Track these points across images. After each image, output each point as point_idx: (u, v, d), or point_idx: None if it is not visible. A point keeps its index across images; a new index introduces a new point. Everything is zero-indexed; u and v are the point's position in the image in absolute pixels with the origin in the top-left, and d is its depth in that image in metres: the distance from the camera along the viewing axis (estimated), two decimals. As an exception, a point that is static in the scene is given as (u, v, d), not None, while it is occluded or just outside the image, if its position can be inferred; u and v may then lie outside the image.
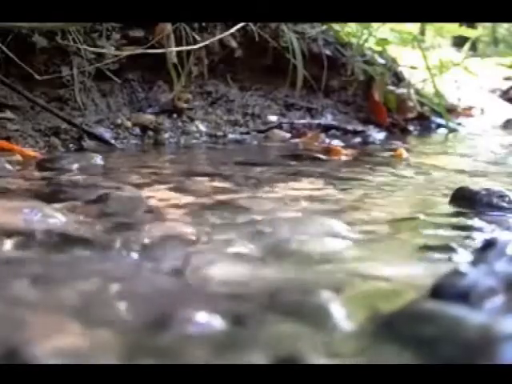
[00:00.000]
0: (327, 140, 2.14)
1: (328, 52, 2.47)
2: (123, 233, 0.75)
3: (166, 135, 1.97)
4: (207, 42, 1.97)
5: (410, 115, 2.71)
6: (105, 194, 0.96)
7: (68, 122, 1.75)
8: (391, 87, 2.69)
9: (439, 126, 2.78)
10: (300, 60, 2.25)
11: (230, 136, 2.14)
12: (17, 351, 0.41)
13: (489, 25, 9.63)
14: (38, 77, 1.73)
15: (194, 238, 0.74)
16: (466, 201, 0.96)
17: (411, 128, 2.66)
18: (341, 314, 0.50)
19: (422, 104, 2.81)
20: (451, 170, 1.45)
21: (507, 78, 4.62)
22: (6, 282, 0.56)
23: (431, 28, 4.12)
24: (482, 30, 7.77)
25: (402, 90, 2.73)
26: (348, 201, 1.03)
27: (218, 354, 0.43)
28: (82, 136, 1.73)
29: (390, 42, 2.80)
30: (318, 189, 1.13)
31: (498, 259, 0.59)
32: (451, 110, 3.07)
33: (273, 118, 2.32)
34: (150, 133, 1.93)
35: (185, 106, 2.09)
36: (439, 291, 0.52)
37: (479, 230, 0.81)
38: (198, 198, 1.01)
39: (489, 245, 0.64)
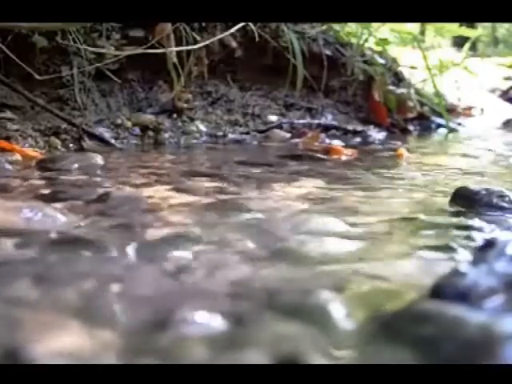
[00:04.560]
0: (327, 140, 2.14)
1: (328, 52, 2.47)
2: (123, 233, 0.75)
3: (166, 135, 1.97)
4: (207, 42, 1.97)
5: (410, 115, 2.72)
6: (105, 193, 0.96)
7: (68, 122, 1.75)
8: (391, 87, 2.69)
9: (439, 125, 2.78)
10: (300, 60, 2.25)
11: (230, 136, 2.14)
12: (17, 351, 0.41)
13: (489, 25, 9.63)
14: (38, 77, 1.73)
15: (193, 237, 0.74)
16: (466, 201, 0.96)
17: (411, 128, 2.66)
18: (341, 314, 0.50)
19: (422, 104, 2.81)
20: (451, 170, 1.45)
21: (507, 78, 4.63)
22: (6, 281, 0.56)
23: (431, 28, 4.13)
24: (481, 30, 7.78)
25: (401, 90, 2.73)
26: (348, 201, 1.03)
27: (218, 354, 0.43)
28: (82, 136, 1.73)
29: (390, 41, 2.80)
30: (318, 189, 1.13)
31: (498, 259, 0.59)
32: (451, 110, 3.08)
33: (273, 118, 2.32)
34: (150, 133, 1.94)
35: (185, 105, 2.10)
36: (439, 291, 0.52)
37: (479, 229, 0.81)
38: (198, 197, 1.01)
39: (489, 245, 0.64)
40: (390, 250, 0.74)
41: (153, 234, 0.75)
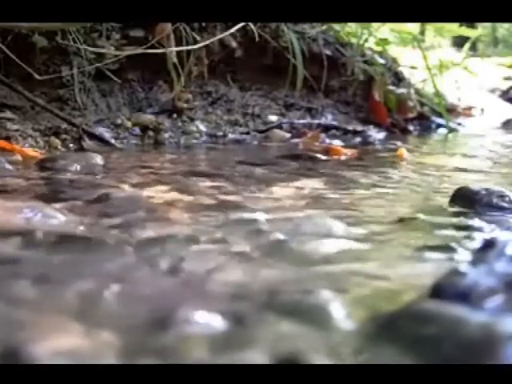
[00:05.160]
0: (327, 140, 2.14)
1: (328, 52, 2.47)
2: (123, 233, 0.75)
3: (166, 135, 1.97)
4: (207, 42, 1.97)
5: (410, 115, 2.72)
6: (105, 194, 0.96)
7: (68, 122, 1.75)
8: (391, 87, 2.69)
9: (439, 125, 2.78)
10: (300, 60, 2.25)
11: (230, 136, 2.14)
12: (17, 351, 0.41)
13: (489, 25, 9.64)
14: (38, 77, 1.73)
15: (193, 237, 0.74)
16: (466, 201, 0.96)
17: (411, 128, 2.66)
18: (341, 314, 0.50)
19: (422, 104, 2.81)
20: (451, 169, 1.45)
21: (507, 78, 4.63)
22: (6, 281, 0.56)
23: (431, 28, 4.13)
24: (481, 30, 7.78)
25: (402, 90, 2.73)
26: (348, 200, 1.03)
27: (218, 354, 0.43)
28: (82, 136, 1.73)
29: (390, 41, 2.80)
30: (318, 189, 1.13)
31: (498, 259, 0.59)
32: (451, 110, 3.08)
33: (273, 118, 2.32)
34: (150, 133, 1.93)
35: (185, 105, 2.09)
36: (439, 291, 0.52)
37: (479, 229, 0.81)
38: (197, 197, 1.01)
39: (489, 245, 0.64)
40: (389, 249, 0.74)
41: (153, 233, 0.75)
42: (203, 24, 2.11)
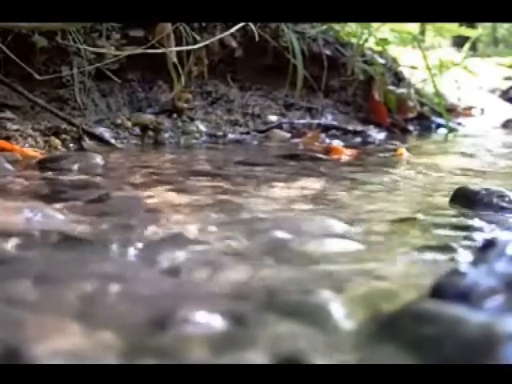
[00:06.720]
0: (327, 140, 2.14)
1: (328, 52, 2.47)
2: (123, 233, 0.75)
3: (166, 135, 1.97)
4: (207, 42, 1.97)
5: (410, 115, 2.72)
6: (105, 194, 0.96)
7: (68, 122, 1.75)
8: (391, 87, 2.69)
9: (439, 125, 2.78)
10: (300, 60, 2.25)
11: (230, 136, 2.13)
12: (17, 351, 0.41)
13: (489, 25, 9.65)
14: (38, 77, 1.73)
15: (193, 237, 0.74)
16: (466, 201, 0.96)
17: (411, 128, 2.66)
18: (341, 314, 0.50)
19: (422, 104, 2.81)
20: (451, 169, 1.45)
21: (507, 78, 4.63)
22: (6, 281, 0.56)
23: (431, 28, 4.13)
24: (482, 30, 7.78)
25: (402, 90, 2.73)
26: (348, 200, 1.03)
27: (218, 354, 0.43)
28: (82, 136, 1.73)
29: (390, 41, 2.80)
30: (318, 188, 1.13)
31: (498, 259, 0.59)
32: (451, 110, 3.08)
33: (273, 118, 2.32)
34: (150, 133, 1.93)
35: (185, 105, 2.09)
36: (439, 291, 0.52)
37: (479, 229, 0.81)
38: (197, 197, 1.01)
39: (489, 245, 0.64)
40: (389, 249, 0.74)
41: (153, 233, 0.75)
42: (203, 24, 2.12)
